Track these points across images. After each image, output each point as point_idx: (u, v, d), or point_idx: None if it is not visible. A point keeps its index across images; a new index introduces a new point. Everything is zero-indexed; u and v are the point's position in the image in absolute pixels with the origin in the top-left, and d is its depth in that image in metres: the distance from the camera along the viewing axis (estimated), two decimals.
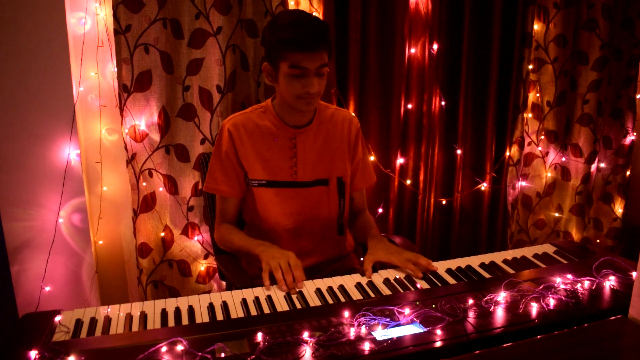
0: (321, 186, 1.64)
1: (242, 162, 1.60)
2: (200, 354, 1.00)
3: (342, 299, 1.28)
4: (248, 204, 1.67)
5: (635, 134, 2.79)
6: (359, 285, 1.35)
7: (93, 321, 1.17)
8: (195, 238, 2.09)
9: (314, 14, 2.06)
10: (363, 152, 1.74)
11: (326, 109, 1.67)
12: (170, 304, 1.25)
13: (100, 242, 2.08)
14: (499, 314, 1.15)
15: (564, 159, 2.75)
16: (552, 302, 1.19)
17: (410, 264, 1.44)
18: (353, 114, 1.75)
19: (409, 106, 2.37)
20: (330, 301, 1.27)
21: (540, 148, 2.74)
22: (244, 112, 1.64)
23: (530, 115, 2.68)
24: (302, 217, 1.64)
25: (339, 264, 1.73)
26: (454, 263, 1.48)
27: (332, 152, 1.65)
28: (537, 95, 2.65)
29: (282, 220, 1.63)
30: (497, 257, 1.52)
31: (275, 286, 1.35)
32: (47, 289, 1.95)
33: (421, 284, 1.37)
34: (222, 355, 1.00)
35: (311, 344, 1.03)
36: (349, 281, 1.38)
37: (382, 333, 1.07)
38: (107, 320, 1.18)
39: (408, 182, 2.45)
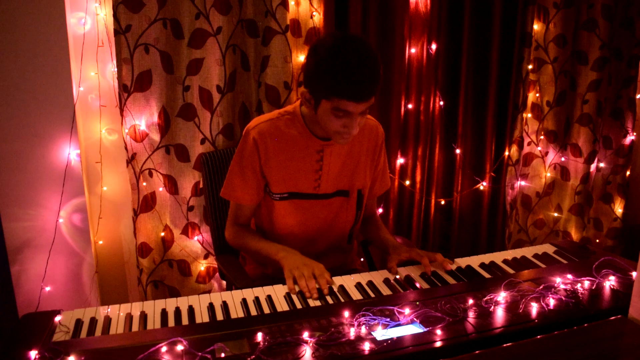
0: (341, 197, 1.60)
1: (265, 174, 1.55)
2: (200, 354, 1.00)
3: (342, 299, 1.28)
4: (262, 212, 1.63)
5: (635, 134, 2.79)
6: (359, 285, 1.35)
7: (93, 321, 1.17)
8: (195, 238, 2.09)
9: (316, 14, 2.07)
10: (384, 160, 1.70)
11: None
12: (170, 304, 1.25)
13: (100, 242, 2.08)
14: (499, 314, 1.15)
15: (563, 158, 2.76)
16: (552, 302, 1.20)
17: (425, 258, 1.44)
18: (378, 122, 1.67)
19: (409, 106, 2.37)
20: (330, 301, 1.27)
21: (539, 148, 2.74)
22: (270, 119, 1.54)
23: (529, 115, 2.68)
24: (317, 227, 1.61)
25: (341, 269, 1.72)
26: (453, 263, 1.48)
27: (356, 164, 1.60)
28: (537, 95, 2.65)
29: (296, 229, 1.60)
30: (497, 257, 1.52)
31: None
32: (47, 289, 1.95)
33: (421, 284, 1.37)
34: (222, 355, 1.00)
35: (311, 344, 1.03)
36: (349, 281, 1.38)
37: (382, 333, 1.07)
38: (107, 320, 1.18)
39: (407, 182, 2.45)
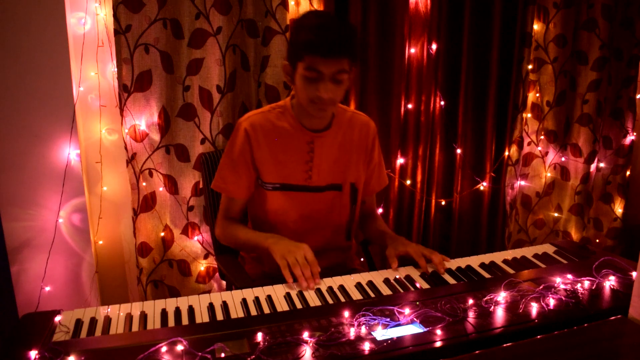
0: (334, 191, 1.62)
1: (256, 165, 1.57)
2: (200, 354, 1.00)
3: (342, 299, 1.28)
4: (257, 205, 1.64)
5: (635, 134, 2.79)
6: (359, 285, 1.35)
7: (93, 321, 1.17)
8: (195, 238, 2.09)
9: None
10: (379, 156, 1.72)
11: (344, 113, 1.64)
12: (170, 304, 1.25)
13: (100, 242, 2.08)
14: (499, 314, 1.15)
15: (563, 158, 2.76)
16: (552, 302, 1.19)
17: (422, 258, 1.44)
18: (370, 119, 1.72)
19: (409, 106, 2.37)
20: (330, 301, 1.27)
21: (539, 148, 2.74)
22: (261, 112, 1.59)
23: (529, 115, 2.68)
24: (312, 221, 1.62)
25: (341, 267, 1.72)
26: (454, 263, 1.48)
27: (348, 158, 1.62)
28: (537, 95, 2.65)
29: (291, 223, 1.61)
30: (497, 257, 1.52)
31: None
32: (47, 289, 1.95)
33: (421, 284, 1.37)
34: (222, 355, 1.00)
35: (311, 344, 1.03)
36: (349, 281, 1.38)
37: (382, 333, 1.07)
38: (107, 320, 1.18)
39: (408, 182, 2.45)
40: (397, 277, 1.41)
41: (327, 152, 1.59)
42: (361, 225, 1.80)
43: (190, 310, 1.23)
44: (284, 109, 1.58)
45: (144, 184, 1.98)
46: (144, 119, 1.93)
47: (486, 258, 1.51)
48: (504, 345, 1.03)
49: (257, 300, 1.28)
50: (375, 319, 1.11)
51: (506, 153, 2.56)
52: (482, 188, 2.57)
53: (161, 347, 1.01)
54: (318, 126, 1.57)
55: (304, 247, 1.42)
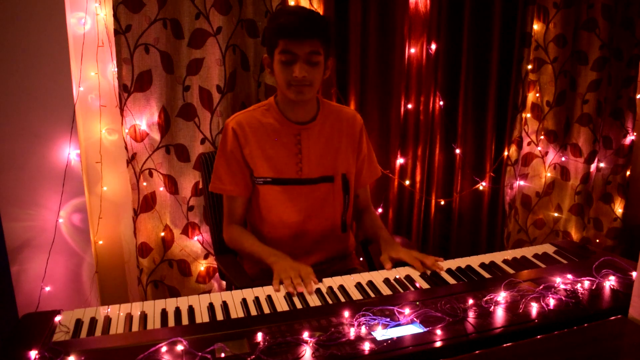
0: (326, 183, 1.64)
1: (247, 161, 1.60)
2: (200, 354, 1.00)
3: (342, 299, 1.28)
4: (252, 202, 1.67)
5: (635, 134, 2.79)
6: (359, 285, 1.35)
7: (93, 321, 1.17)
8: (195, 238, 2.09)
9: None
10: (368, 147, 1.75)
11: (330, 106, 1.68)
12: (170, 304, 1.25)
13: (100, 242, 2.08)
14: (499, 314, 1.15)
15: (563, 158, 2.76)
16: (552, 302, 1.20)
17: (417, 261, 1.46)
18: (356, 112, 1.76)
19: (409, 106, 2.37)
20: (330, 301, 1.27)
21: (539, 148, 2.74)
22: (247, 111, 1.65)
23: (529, 115, 2.68)
24: (306, 214, 1.63)
25: (340, 264, 1.73)
26: (454, 263, 1.48)
27: (337, 149, 1.65)
28: (537, 95, 2.65)
29: (286, 217, 1.63)
30: (497, 257, 1.52)
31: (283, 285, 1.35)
32: (47, 289, 1.95)
33: (421, 284, 1.37)
34: (222, 355, 1.00)
35: (311, 344, 1.03)
36: (349, 281, 1.38)
37: (382, 333, 1.07)
38: (107, 320, 1.18)
39: (407, 182, 2.45)
40: (397, 277, 1.41)
41: (315, 144, 1.62)
42: (357, 220, 1.83)
43: (190, 310, 1.23)
44: (269, 106, 1.63)
45: (144, 184, 1.98)
46: (144, 119, 1.93)
47: (486, 258, 1.51)
48: (504, 345, 1.03)
49: (257, 300, 1.28)
50: (375, 319, 1.11)
51: (505, 153, 2.56)
52: (481, 188, 2.57)
53: (161, 347, 1.01)
54: (303, 118, 1.61)
55: (301, 266, 1.42)
